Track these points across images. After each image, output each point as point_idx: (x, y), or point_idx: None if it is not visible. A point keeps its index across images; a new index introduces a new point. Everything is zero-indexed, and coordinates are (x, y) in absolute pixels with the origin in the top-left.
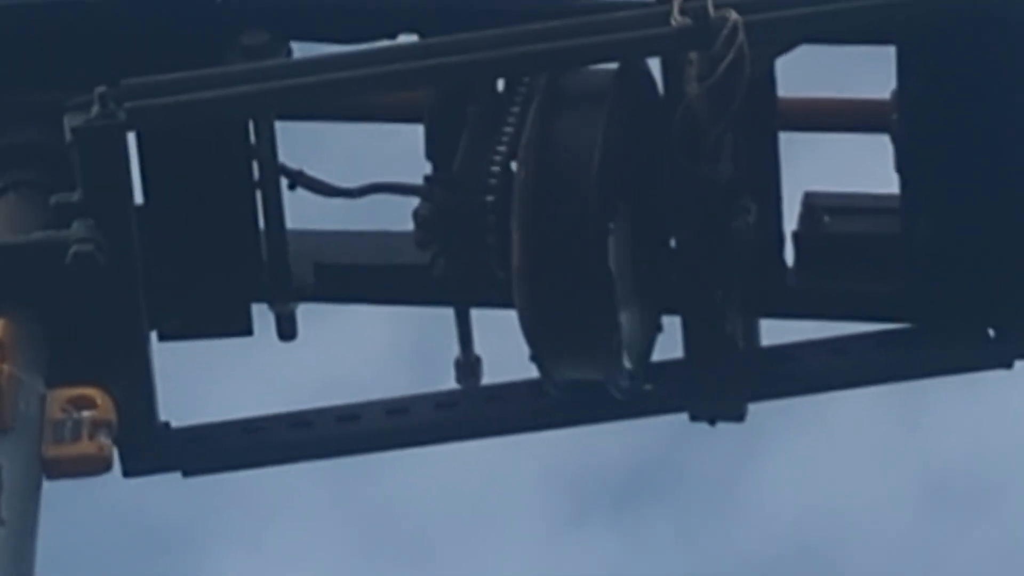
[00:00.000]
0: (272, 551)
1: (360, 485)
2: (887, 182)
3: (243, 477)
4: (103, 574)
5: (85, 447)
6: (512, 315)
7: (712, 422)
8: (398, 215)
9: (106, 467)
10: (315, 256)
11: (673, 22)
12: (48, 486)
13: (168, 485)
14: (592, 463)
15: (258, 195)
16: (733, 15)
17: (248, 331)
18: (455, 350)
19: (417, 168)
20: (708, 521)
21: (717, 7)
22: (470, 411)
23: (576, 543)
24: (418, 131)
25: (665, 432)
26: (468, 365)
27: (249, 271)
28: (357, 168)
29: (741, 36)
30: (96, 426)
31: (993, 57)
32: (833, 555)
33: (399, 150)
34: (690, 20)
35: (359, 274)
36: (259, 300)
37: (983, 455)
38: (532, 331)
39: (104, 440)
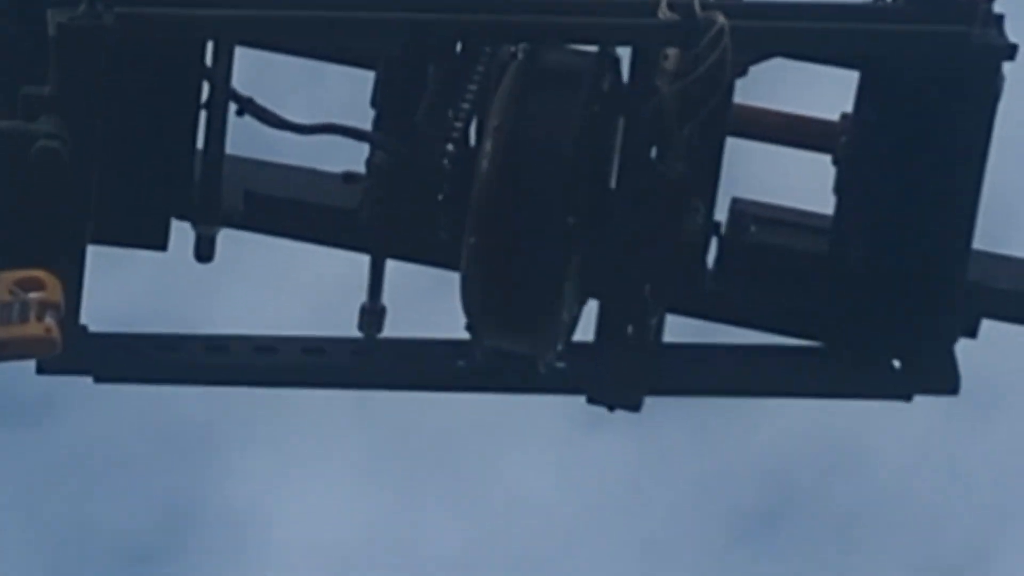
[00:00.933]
0: (294, 454)
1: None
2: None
3: None
4: (124, 475)
5: (33, 329)
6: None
7: (611, 408)
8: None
9: (54, 348)
10: (245, 184)
11: (660, 15)
12: (65, 388)
13: (190, 388)
14: None
15: (202, 116)
16: (721, 18)
17: (163, 246)
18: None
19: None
20: (725, 421)
21: (704, 8)
22: (385, 362)
23: (593, 447)
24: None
25: (680, 331)
26: (373, 314)
27: (178, 189)
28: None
29: (726, 39)
30: (44, 308)
31: (950, 102)
32: (854, 453)
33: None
34: (677, 16)
35: (287, 208)
36: (184, 218)
37: (1004, 354)
38: (475, 299)
39: (51, 322)
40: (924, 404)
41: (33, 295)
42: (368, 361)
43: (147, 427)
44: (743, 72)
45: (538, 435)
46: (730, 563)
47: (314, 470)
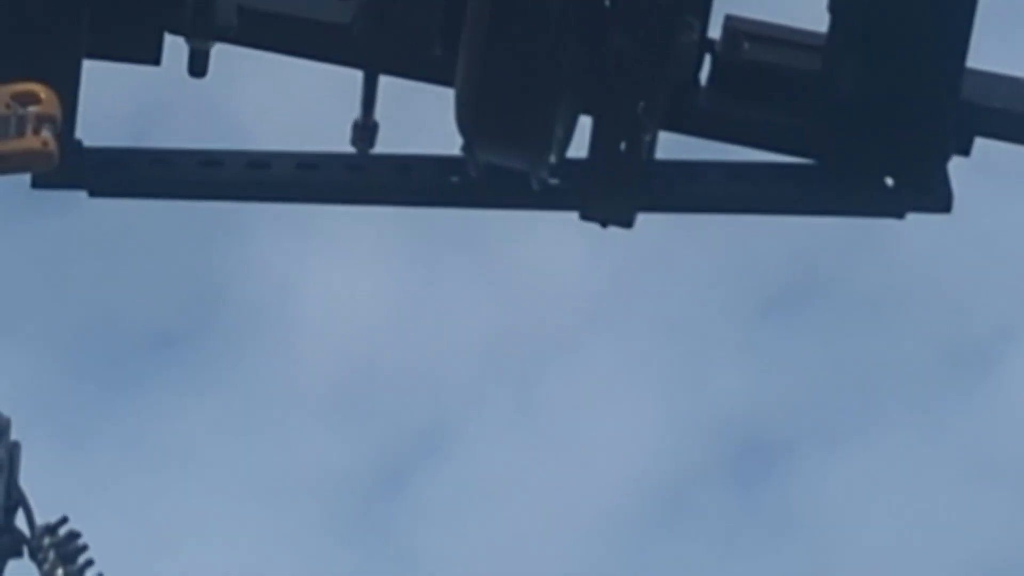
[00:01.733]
0: (321, 239)
1: None
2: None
3: None
4: (147, 258)
5: (30, 142)
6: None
7: (604, 224)
8: None
9: (51, 162)
10: None
11: None
12: None
13: None
14: None
15: None
16: None
17: (157, 61)
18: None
19: None
20: None
21: None
22: (379, 177)
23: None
24: None
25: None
26: (366, 129)
27: (172, 3)
28: None
29: None
30: (41, 121)
31: None
32: (879, 232)
33: None
34: None
35: (280, 23)
36: (178, 33)
37: None
38: (470, 111)
39: (48, 135)
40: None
41: (30, 109)
42: (362, 176)
43: (169, 207)
44: None
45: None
46: (756, 340)
47: (339, 248)
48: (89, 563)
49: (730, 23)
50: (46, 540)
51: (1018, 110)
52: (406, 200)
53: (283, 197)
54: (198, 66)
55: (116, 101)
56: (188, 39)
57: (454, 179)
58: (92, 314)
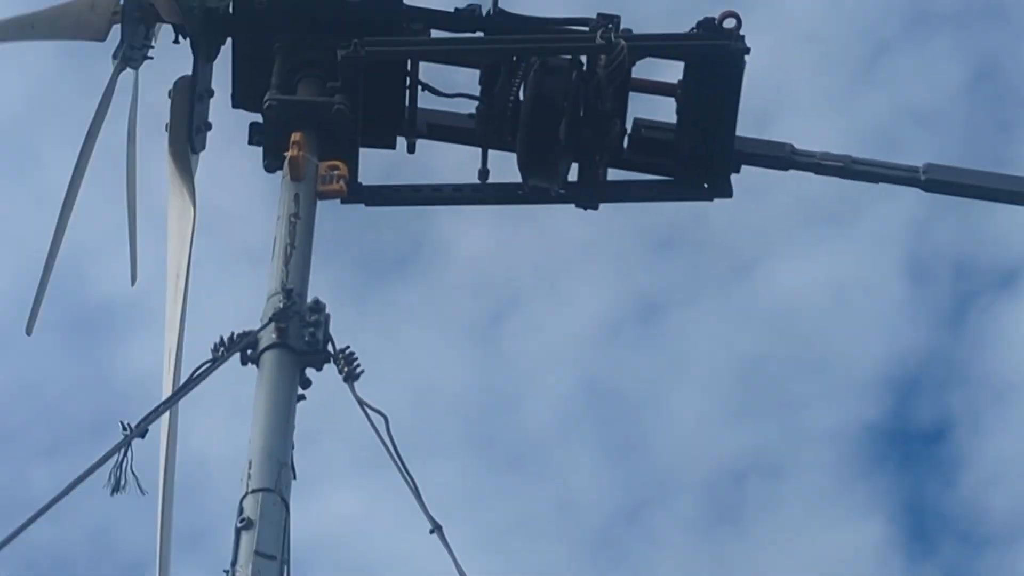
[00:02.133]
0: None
1: None
2: None
3: None
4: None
5: (335, 187)
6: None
7: (585, 208)
8: None
9: (343, 195)
10: None
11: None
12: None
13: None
14: None
15: None
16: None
17: (394, 146)
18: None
19: None
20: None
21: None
22: (492, 192)
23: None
24: None
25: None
26: (484, 172)
27: (397, 119)
28: None
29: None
30: (340, 177)
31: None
32: None
33: None
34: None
35: (453, 128)
36: (400, 134)
37: None
38: (522, 164)
39: (343, 183)
40: None
41: (335, 171)
42: (486, 191)
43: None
44: None
45: None
46: None
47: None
48: (362, 371)
49: (637, 121)
50: (340, 357)
51: (765, 152)
52: (500, 200)
53: (464, 201)
54: (411, 148)
55: (375, 165)
56: (405, 136)
57: (519, 192)
58: None
